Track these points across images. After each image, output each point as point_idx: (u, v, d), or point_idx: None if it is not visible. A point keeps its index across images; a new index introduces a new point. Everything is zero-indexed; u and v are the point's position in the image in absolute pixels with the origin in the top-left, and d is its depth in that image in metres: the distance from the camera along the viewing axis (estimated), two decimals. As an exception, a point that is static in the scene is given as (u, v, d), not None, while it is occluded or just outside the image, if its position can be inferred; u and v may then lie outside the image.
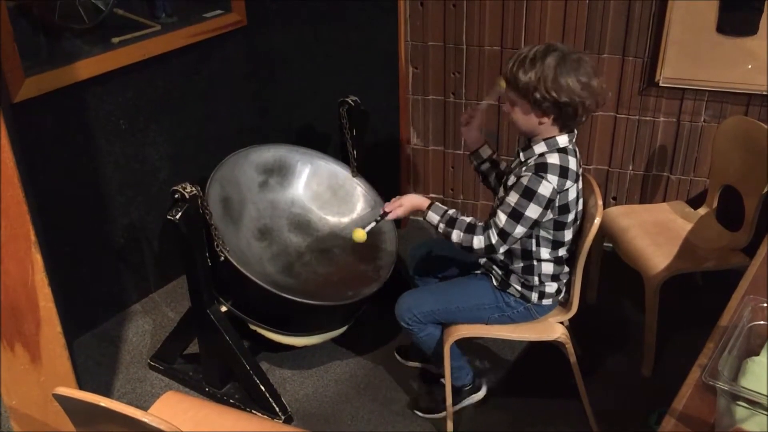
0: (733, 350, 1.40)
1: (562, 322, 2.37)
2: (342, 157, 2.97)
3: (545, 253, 2.19)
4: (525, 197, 2.03)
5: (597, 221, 2.15)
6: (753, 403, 1.31)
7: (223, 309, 2.55)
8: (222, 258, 2.41)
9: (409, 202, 2.23)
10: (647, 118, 3.08)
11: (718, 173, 2.78)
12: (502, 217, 2.06)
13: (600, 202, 2.19)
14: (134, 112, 2.90)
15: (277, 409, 2.51)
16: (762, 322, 1.47)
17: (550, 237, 2.15)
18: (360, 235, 2.21)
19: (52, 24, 2.61)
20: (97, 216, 2.90)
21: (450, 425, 2.43)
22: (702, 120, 3.00)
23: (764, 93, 2.82)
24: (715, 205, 2.80)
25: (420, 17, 3.22)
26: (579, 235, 2.27)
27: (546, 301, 2.28)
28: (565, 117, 2.04)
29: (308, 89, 3.44)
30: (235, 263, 2.40)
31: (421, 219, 2.26)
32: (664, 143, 3.11)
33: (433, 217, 2.18)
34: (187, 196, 2.27)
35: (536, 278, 2.23)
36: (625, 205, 3.03)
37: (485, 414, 2.54)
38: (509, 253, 2.22)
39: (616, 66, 3.02)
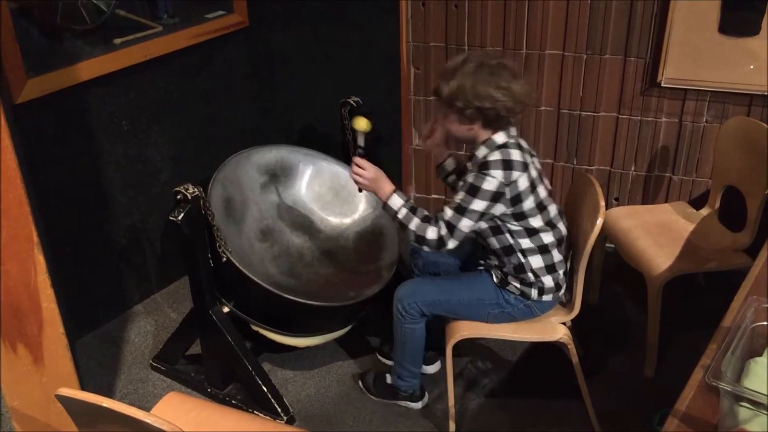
0: (736, 351, 1.40)
1: (564, 323, 2.37)
2: (344, 157, 2.97)
3: (525, 243, 2.21)
4: (469, 194, 2.11)
5: (599, 222, 2.15)
6: (756, 404, 1.31)
7: (225, 310, 2.55)
8: (224, 259, 2.41)
9: (376, 180, 2.23)
10: (649, 119, 3.08)
11: (721, 174, 2.78)
12: (448, 212, 2.14)
13: (602, 203, 2.19)
14: (136, 113, 2.90)
15: (279, 409, 2.51)
16: (765, 323, 1.46)
17: (520, 227, 2.19)
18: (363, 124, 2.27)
19: (54, 25, 2.61)
20: (99, 217, 2.90)
21: (452, 425, 2.43)
22: (704, 120, 3.00)
23: (766, 93, 2.82)
24: (717, 205, 2.80)
25: (421, 18, 3.22)
26: (578, 234, 2.27)
27: (546, 297, 2.28)
28: (492, 121, 2.13)
29: (310, 90, 3.44)
30: (237, 264, 2.40)
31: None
32: (666, 144, 3.10)
33: (397, 201, 2.21)
34: (190, 197, 2.28)
35: (530, 275, 2.25)
36: (628, 206, 3.03)
37: (488, 414, 2.54)
38: (497, 255, 2.27)
39: (617, 66, 3.02)
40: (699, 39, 2.82)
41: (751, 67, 2.79)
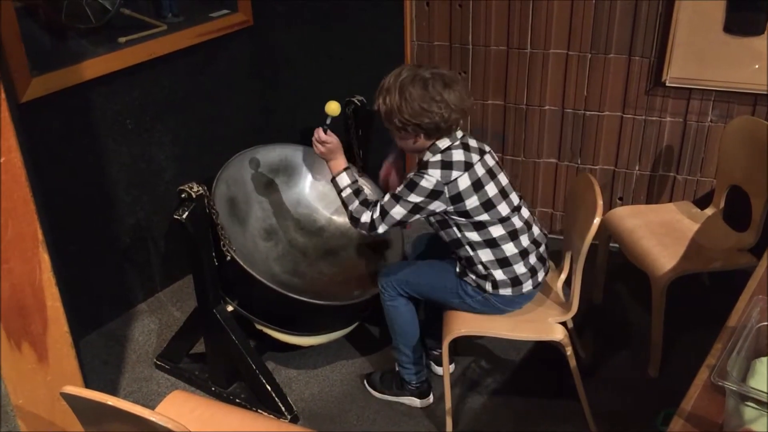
0: (742, 351, 1.39)
1: (564, 324, 2.36)
2: (348, 156, 2.96)
3: (472, 236, 2.24)
4: (407, 187, 2.18)
5: (596, 221, 2.15)
6: (762, 404, 1.30)
7: (229, 308, 2.55)
8: (228, 258, 2.41)
9: (333, 151, 2.37)
10: (654, 118, 3.07)
11: (725, 173, 2.78)
12: (385, 197, 2.22)
13: (600, 202, 2.19)
14: (140, 112, 2.90)
15: (283, 408, 2.51)
16: (770, 323, 1.46)
17: (466, 221, 2.22)
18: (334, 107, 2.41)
19: (59, 24, 2.62)
20: (104, 215, 2.90)
21: (449, 422, 2.43)
22: (709, 120, 2.99)
23: (771, 93, 2.82)
24: (722, 205, 2.80)
25: (426, 17, 3.22)
26: (577, 234, 2.27)
27: (504, 291, 2.28)
28: (432, 132, 2.18)
29: (314, 89, 3.44)
30: (241, 263, 2.40)
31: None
32: (670, 143, 3.10)
33: (345, 180, 2.33)
34: (194, 196, 2.28)
35: (480, 267, 2.27)
36: (632, 206, 3.03)
37: (489, 413, 2.54)
38: (451, 245, 2.31)
39: (622, 66, 3.02)
40: (704, 38, 2.81)
41: (756, 66, 2.79)
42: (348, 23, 3.27)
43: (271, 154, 2.89)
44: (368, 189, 2.96)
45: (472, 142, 2.27)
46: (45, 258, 2.00)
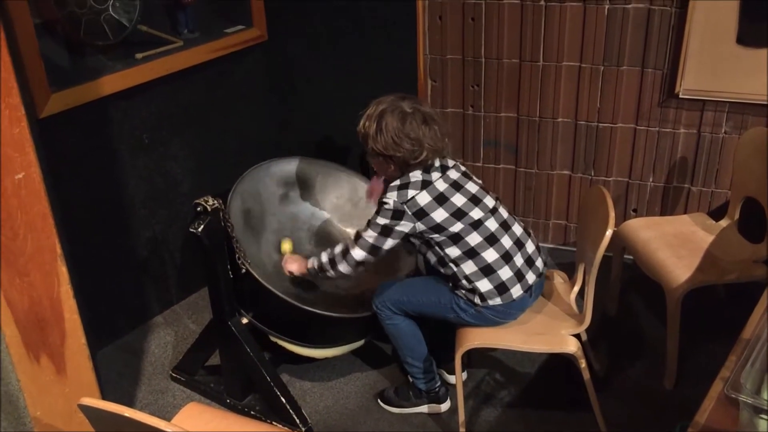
0: (756, 363, 1.39)
1: (578, 336, 2.36)
2: (362, 169, 2.99)
3: (452, 252, 2.26)
4: (375, 212, 2.27)
5: (608, 233, 2.16)
6: (776, 416, 1.30)
7: (244, 321, 2.57)
8: (243, 270, 2.43)
9: (296, 263, 2.54)
10: (667, 130, 3.07)
11: (740, 185, 2.77)
12: (363, 226, 2.31)
13: (612, 214, 2.19)
14: (157, 127, 2.94)
15: (297, 420, 2.52)
16: (785, 335, 1.46)
17: (443, 237, 2.24)
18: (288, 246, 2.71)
19: (78, 40, 2.66)
20: (121, 229, 2.94)
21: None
22: (723, 131, 2.99)
23: (786, 104, 2.81)
24: (736, 216, 2.79)
25: (439, 31, 3.24)
26: (590, 246, 2.27)
27: (492, 302, 2.28)
28: (402, 165, 2.25)
29: (328, 103, 3.47)
30: (256, 275, 2.42)
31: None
32: (684, 155, 3.09)
33: (312, 261, 2.45)
34: (209, 209, 2.30)
35: (465, 281, 2.28)
36: (646, 217, 3.02)
37: (502, 426, 2.54)
38: (437, 265, 2.34)
39: (635, 78, 3.02)
40: (717, 50, 2.81)
41: (770, 77, 2.78)
42: (361, 37, 3.29)
43: (285, 168, 2.91)
44: (382, 202, 2.98)
45: (435, 162, 2.30)
46: (63, 271, 2.03)
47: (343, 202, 3.00)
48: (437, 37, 3.25)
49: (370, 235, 2.26)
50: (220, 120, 3.22)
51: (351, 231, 2.97)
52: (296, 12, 3.32)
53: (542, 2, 3.02)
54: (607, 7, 2.94)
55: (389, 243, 2.26)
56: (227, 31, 3.19)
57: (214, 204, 2.32)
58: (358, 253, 2.29)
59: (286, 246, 2.76)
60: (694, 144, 3.06)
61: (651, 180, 3.20)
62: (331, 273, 2.38)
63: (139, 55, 2.82)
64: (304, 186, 2.96)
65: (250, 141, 3.39)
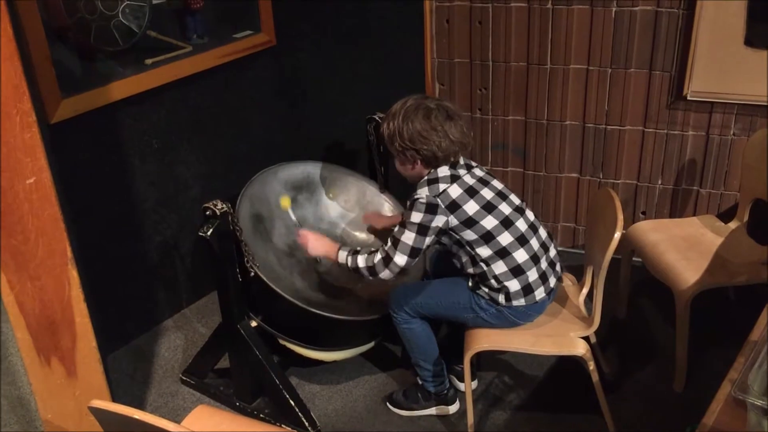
0: (764, 365, 1.39)
1: (587, 339, 2.36)
2: (370, 173, 3.00)
3: (484, 252, 2.26)
4: (408, 211, 2.26)
5: (617, 235, 2.16)
6: (784, 418, 1.30)
7: (254, 324, 2.58)
8: (252, 274, 2.44)
9: (321, 241, 2.50)
10: (675, 132, 3.07)
11: (749, 187, 2.76)
12: (395, 230, 2.29)
13: (620, 216, 2.19)
14: (166, 132, 2.96)
15: (306, 423, 2.53)
16: (793, 337, 1.45)
17: (475, 236, 2.24)
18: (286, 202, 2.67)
19: (88, 46, 2.68)
20: (131, 233, 2.96)
21: (472, 434, 2.44)
22: (731, 133, 2.98)
23: (795, 105, 2.80)
24: (745, 218, 2.78)
25: (446, 35, 3.25)
26: (598, 248, 2.27)
27: (516, 302, 2.29)
28: (429, 160, 2.26)
29: (336, 107, 3.48)
30: (265, 279, 2.43)
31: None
32: (693, 157, 3.09)
33: (343, 254, 2.41)
34: (218, 213, 2.32)
35: (494, 281, 2.28)
36: (655, 220, 3.02)
37: (511, 429, 2.53)
38: (466, 266, 2.33)
39: (643, 80, 3.02)
40: (725, 52, 2.81)
41: (779, 79, 2.77)
42: (369, 41, 3.31)
43: (294, 172, 2.92)
44: (389, 205, 2.99)
45: (460, 160, 2.33)
46: (74, 275, 2.05)
47: (351, 206, 3.01)
48: (445, 40, 3.26)
49: (408, 237, 2.24)
50: (228, 125, 3.24)
51: (359, 235, 2.98)
52: (304, 17, 3.34)
53: (549, 5, 3.02)
54: (614, 9, 2.94)
55: (427, 241, 2.26)
56: (236, 36, 3.21)
57: (223, 208, 2.33)
58: (401, 259, 2.26)
59: (286, 201, 2.72)
60: (703, 146, 3.05)
61: (659, 182, 3.19)
62: (368, 278, 2.37)
63: (148, 61, 2.84)
64: (313, 189, 2.97)
65: (259, 145, 3.41)
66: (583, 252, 3.36)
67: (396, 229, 2.28)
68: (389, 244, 2.29)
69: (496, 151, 3.40)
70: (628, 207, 3.27)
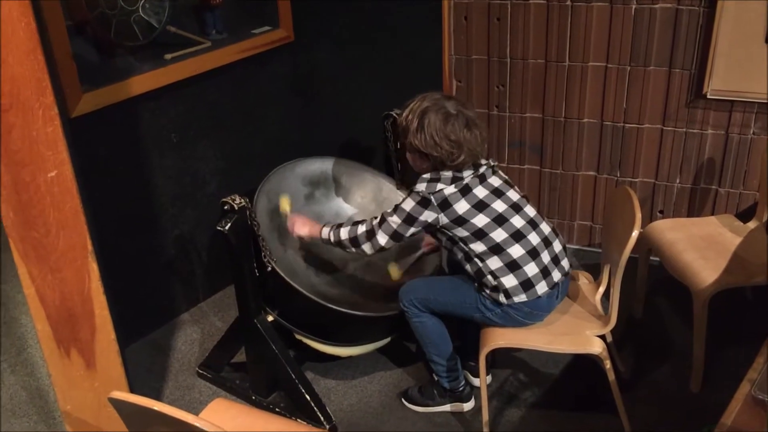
0: (783, 364, 1.38)
1: (603, 337, 2.35)
2: (386, 169, 3.01)
3: (478, 247, 2.26)
4: (403, 200, 2.30)
5: (634, 234, 2.15)
6: (804, 418, 1.29)
7: (270, 319, 2.59)
8: (269, 269, 2.45)
9: (306, 224, 2.54)
10: (695, 131, 3.05)
11: (769, 186, 2.74)
12: (386, 210, 2.34)
13: (638, 215, 2.18)
14: (185, 127, 2.98)
15: (321, 418, 2.54)
16: (813, 337, 1.44)
17: (466, 233, 2.25)
18: (395, 273, 2.73)
19: (108, 41, 2.70)
20: (149, 227, 2.98)
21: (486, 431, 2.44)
22: (751, 132, 2.96)
23: (816, 104, 2.77)
24: (765, 218, 2.76)
25: (464, 31, 3.24)
26: (616, 247, 2.26)
27: (518, 298, 2.27)
28: (438, 164, 2.24)
29: (353, 103, 3.49)
30: (281, 274, 2.44)
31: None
32: (712, 156, 3.07)
33: (326, 230, 2.46)
34: (236, 208, 2.33)
35: (489, 277, 2.28)
36: (673, 219, 3.00)
37: (526, 426, 2.53)
38: (462, 262, 2.34)
39: (662, 78, 3.00)
40: (745, 50, 2.79)
41: (800, 78, 2.75)
42: (387, 38, 3.31)
43: (311, 167, 2.93)
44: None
45: (472, 171, 2.31)
46: (94, 267, 2.07)
47: (367, 202, 3.02)
48: (462, 37, 3.26)
49: (394, 221, 2.28)
50: (246, 120, 3.25)
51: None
52: (322, 13, 3.34)
53: (568, 2, 3.01)
54: (634, 6, 2.93)
55: (411, 231, 2.28)
56: (254, 31, 3.22)
57: (240, 203, 2.34)
58: (382, 239, 2.31)
59: (285, 203, 2.73)
60: (722, 145, 3.03)
61: (678, 181, 3.18)
62: (350, 249, 2.40)
63: (168, 56, 2.86)
64: (329, 185, 2.98)
65: (277, 141, 3.42)
66: (599, 250, 3.35)
67: (389, 209, 2.32)
68: (377, 220, 2.33)
69: (512, 149, 3.40)
70: (646, 206, 3.26)
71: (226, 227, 2.31)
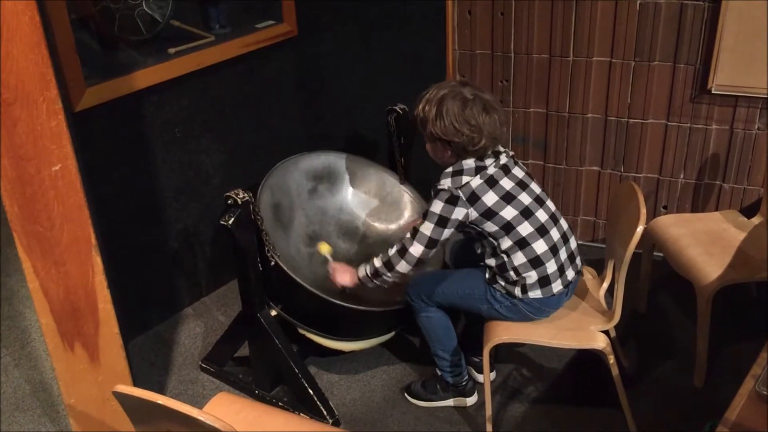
0: (788, 360, 1.38)
1: (607, 333, 2.35)
2: (390, 164, 3.00)
3: (505, 243, 2.24)
4: (430, 202, 2.25)
5: (639, 229, 2.15)
6: (808, 414, 1.29)
7: (273, 313, 2.59)
8: (272, 263, 2.45)
9: (347, 272, 2.50)
10: (699, 126, 3.04)
11: (773, 182, 2.73)
12: (419, 220, 2.29)
13: (643, 210, 2.18)
14: (189, 121, 2.98)
15: (324, 412, 2.54)
16: (818, 333, 1.44)
17: (495, 227, 2.23)
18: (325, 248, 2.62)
19: (112, 35, 2.70)
20: (153, 221, 2.98)
21: (489, 427, 2.44)
22: (756, 128, 2.95)
23: (821, 100, 2.76)
24: (769, 214, 2.75)
25: (468, 26, 3.23)
26: (620, 242, 2.26)
27: (533, 294, 2.27)
28: (459, 151, 2.22)
29: (357, 98, 3.48)
30: (285, 268, 2.45)
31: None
32: (716, 151, 3.06)
33: (363, 270, 2.42)
34: (240, 202, 2.33)
35: (512, 273, 2.27)
36: (676, 214, 2.99)
37: (530, 421, 2.53)
38: (485, 257, 2.33)
39: (667, 73, 2.99)
40: (751, 45, 2.78)
41: (806, 73, 2.74)
42: (391, 32, 3.30)
43: (315, 162, 2.93)
44: (409, 196, 2.99)
45: (491, 159, 2.29)
46: (98, 261, 2.07)
47: (371, 197, 3.02)
48: (466, 31, 3.25)
49: (427, 227, 2.23)
50: (250, 114, 3.25)
51: (378, 225, 2.99)
52: (326, 7, 3.34)
53: (573, -3, 3.01)
54: (639, 1, 2.92)
55: (446, 233, 2.24)
56: (258, 26, 3.21)
57: (244, 197, 2.34)
58: (417, 249, 2.26)
59: (324, 248, 2.69)
60: (727, 140, 3.02)
61: (682, 176, 3.17)
62: (388, 276, 2.34)
63: (171, 50, 2.86)
64: (333, 180, 2.98)
65: (280, 135, 3.41)
66: (602, 246, 3.34)
67: (418, 222, 2.28)
68: (408, 235, 2.29)
69: (516, 144, 3.39)
70: (650, 201, 3.25)
71: (230, 221, 2.31)
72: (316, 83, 3.52)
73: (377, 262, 2.36)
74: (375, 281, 2.40)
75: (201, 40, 2.96)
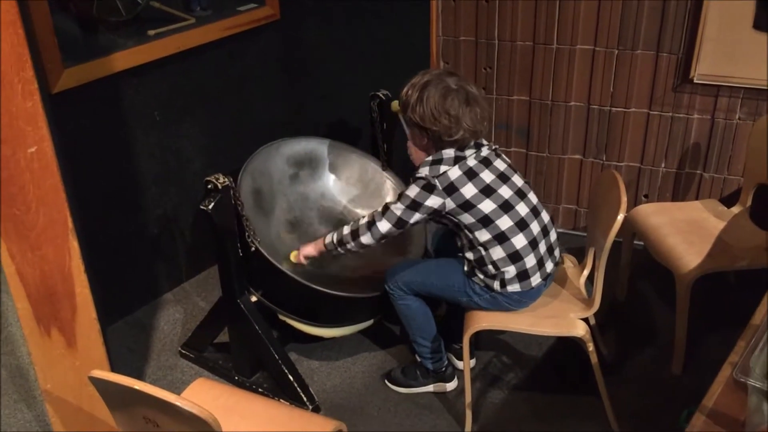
0: (765, 348, 1.39)
1: (587, 320, 2.36)
2: (372, 150, 2.99)
3: (482, 236, 2.24)
4: (407, 186, 2.26)
5: (620, 218, 2.15)
6: (784, 401, 1.30)
7: (253, 299, 2.58)
8: (253, 249, 2.44)
9: (309, 246, 2.51)
10: (681, 115, 3.05)
11: (753, 172, 2.75)
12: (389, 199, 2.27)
13: (624, 198, 2.18)
14: (169, 104, 2.94)
15: (305, 398, 2.54)
16: (795, 321, 1.45)
17: (473, 219, 2.22)
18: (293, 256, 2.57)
19: (90, 17, 2.66)
20: (132, 206, 2.95)
21: (469, 414, 2.45)
22: (737, 117, 2.96)
23: (802, 91, 2.78)
24: (749, 203, 2.77)
25: (452, 12, 3.22)
26: (601, 230, 2.26)
27: (512, 287, 2.28)
28: (436, 140, 2.22)
29: (340, 83, 3.46)
30: (265, 254, 2.43)
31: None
32: (697, 141, 3.08)
33: (328, 237, 2.43)
34: (220, 187, 2.31)
35: (491, 266, 2.27)
36: (657, 203, 3.01)
37: (509, 408, 2.55)
38: (463, 249, 2.33)
39: (649, 62, 3.00)
40: (733, 35, 2.79)
41: (787, 63, 2.75)
42: (374, 18, 3.28)
43: (296, 147, 2.91)
44: (391, 182, 2.98)
45: (474, 150, 2.28)
46: (74, 245, 2.04)
47: (353, 183, 3.00)
48: (450, 18, 3.23)
49: (398, 208, 2.24)
50: (231, 99, 3.22)
51: (360, 211, 2.97)
52: (309, -9, 3.31)
53: (557, -16, 3.00)
54: (622, -11, 2.91)
55: (416, 217, 2.24)
56: (239, 9, 3.17)
57: (224, 182, 2.32)
58: (384, 225, 2.27)
59: (293, 256, 2.65)
60: (708, 130, 3.04)
61: (663, 165, 3.18)
62: (351, 245, 2.36)
63: (151, 32, 2.82)
64: (314, 166, 2.96)
65: (262, 120, 3.39)
66: (584, 234, 3.36)
67: (390, 199, 2.28)
68: (379, 210, 2.30)
69: (499, 131, 3.39)
70: (631, 190, 3.26)
71: (210, 206, 2.29)
72: (298, 68, 3.49)
73: (345, 230, 2.38)
74: (339, 249, 2.41)
75: (182, 23, 2.93)
